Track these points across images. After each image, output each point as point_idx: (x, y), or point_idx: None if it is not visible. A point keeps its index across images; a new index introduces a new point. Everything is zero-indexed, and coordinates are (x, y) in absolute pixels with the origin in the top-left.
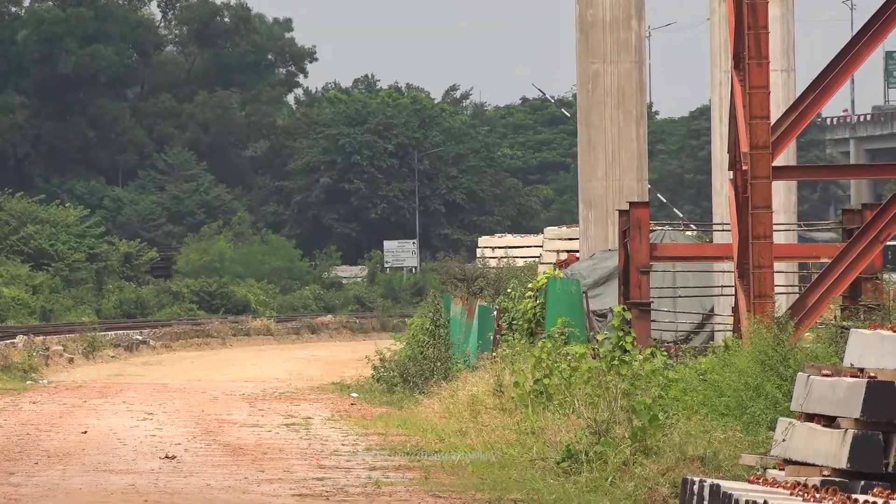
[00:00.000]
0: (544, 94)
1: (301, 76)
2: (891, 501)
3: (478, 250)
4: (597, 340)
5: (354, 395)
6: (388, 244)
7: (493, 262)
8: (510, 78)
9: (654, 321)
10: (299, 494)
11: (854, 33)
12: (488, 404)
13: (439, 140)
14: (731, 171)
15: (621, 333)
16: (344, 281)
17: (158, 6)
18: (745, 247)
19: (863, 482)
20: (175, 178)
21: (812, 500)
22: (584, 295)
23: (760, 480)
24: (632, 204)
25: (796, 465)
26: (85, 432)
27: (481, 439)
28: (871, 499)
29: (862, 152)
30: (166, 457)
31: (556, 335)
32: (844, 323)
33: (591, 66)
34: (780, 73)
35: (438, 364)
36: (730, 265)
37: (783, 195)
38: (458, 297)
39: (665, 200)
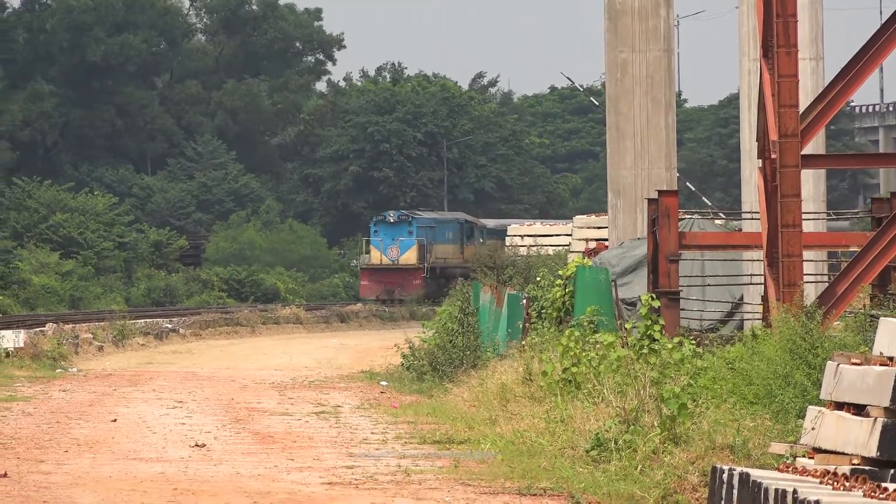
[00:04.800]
0: (573, 83)
1: (329, 64)
2: None
3: (507, 238)
4: (625, 329)
5: (384, 383)
6: None
7: (522, 251)
8: (538, 66)
9: (682, 310)
10: (329, 483)
11: (883, 21)
12: (517, 393)
13: (468, 128)
14: (760, 160)
15: (650, 322)
16: None
17: None
18: (774, 235)
19: (892, 470)
20: (204, 167)
21: (841, 488)
22: (612, 283)
23: (790, 469)
24: (661, 192)
25: (826, 453)
26: (114, 420)
27: (510, 428)
28: None
29: (891, 140)
30: (196, 445)
31: (585, 323)
32: (873, 311)
33: (620, 55)
34: (808, 61)
35: (467, 352)
36: (759, 254)
37: (812, 184)
38: (487, 286)
39: (694, 189)
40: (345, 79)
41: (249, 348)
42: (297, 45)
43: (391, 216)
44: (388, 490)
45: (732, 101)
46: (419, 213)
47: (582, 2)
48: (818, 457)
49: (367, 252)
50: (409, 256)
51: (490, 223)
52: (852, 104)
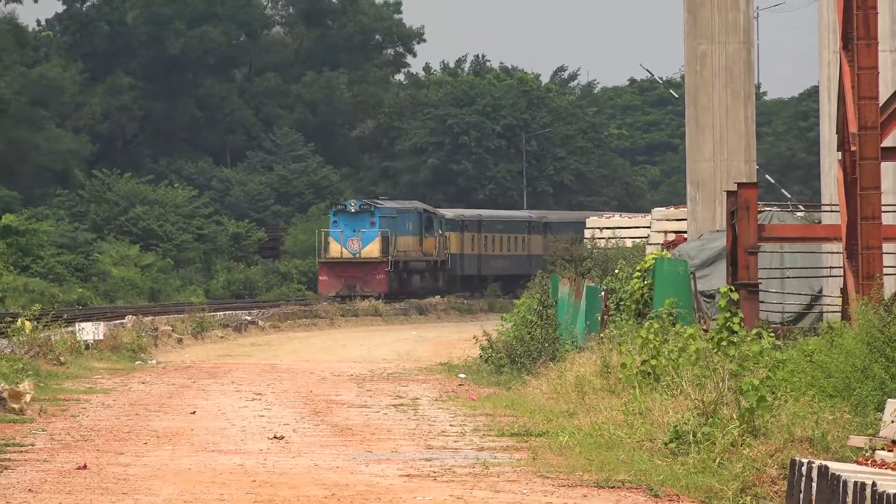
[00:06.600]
0: (652, 75)
1: (409, 56)
2: None
3: (586, 231)
4: (705, 321)
5: (462, 375)
6: None
7: (600, 243)
8: (618, 58)
9: (762, 302)
10: (407, 475)
11: None
12: (596, 385)
13: (547, 121)
14: (840, 152)
15: (729, 314)
16: None
17: None
18: (853, 228)
19: None
20: (283, 159)
21: None
22: (691, 276)
23: (869, 462)
24: (740, 185)
25: None
26: (194, 413)
27: (588, 420)
28: None
29: None
30: (275, 437)
31: (664, 316)
32: None
33: (699, 47)
34: (889, 53)
35: (546, 345)
36: (838, 246)
37: (892, 176)
38: (566, 278)
39: (773, 181)
40: (424, 68)
41: (328, 340)
42: (377, 37)
43: (352, 205)
44: (467, 482)
45: (812, 94)
46: (381, 202)
47: None
48: None
49: (326, 244)
50: (372, 249)
51: (449, 213)
52: None
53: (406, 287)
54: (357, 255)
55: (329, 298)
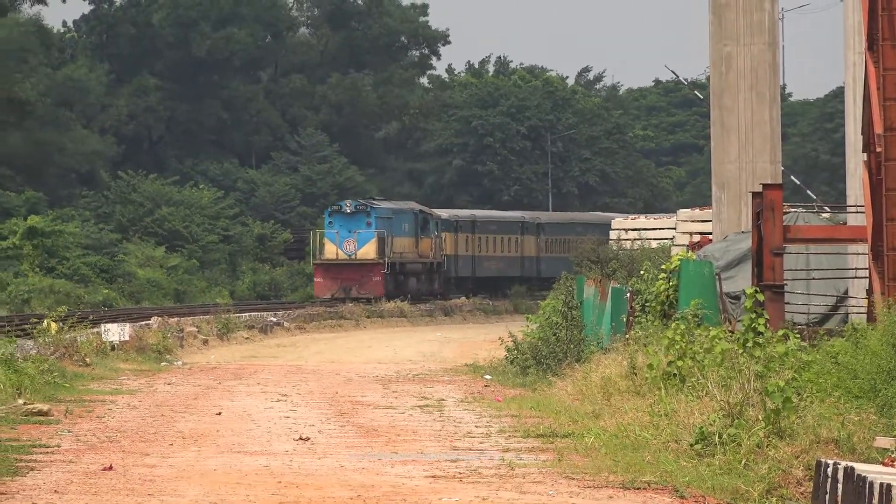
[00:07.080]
0: (677, 77)
1: (434, 59)
2: None
3: (611, 232)
4: (730, 322)
5: (488, 377)
6: None
7: (626, 244)
8: (643, 60)
9: (787, 303)
10: (433, 476)
11: None
12: (621, 387)
13: (572, 122)
14: (865, 153)
15: (754, 315)
16: None
17: None
18: (879, 229)
19: None
20: (308, 160)
21: None
22: (716, 277)
23: (895, 463)
24: (765, 186)
25: None
26: (219, 414)
27: (614, 422)
28: None
29: None
30: (300, 438)
31: (690, 317)
32: None
33: (724, 48)
34: None
35: (571, 346)
36: (864, 247)
37: None
38: (591, 279)
39: (798, 183)
40: (447, 70)
41: (354, 342)
42: (403, 39)
43: (347, 206)
44: (492, 484)
45: (838, 95)
46: (377, 202)
47: None
48: None
49: (321, 245)
50: (368, 250)
51: (444, 213)
52: None
53: (402, 289)
54: (353, 257)
55: (325, 300)
